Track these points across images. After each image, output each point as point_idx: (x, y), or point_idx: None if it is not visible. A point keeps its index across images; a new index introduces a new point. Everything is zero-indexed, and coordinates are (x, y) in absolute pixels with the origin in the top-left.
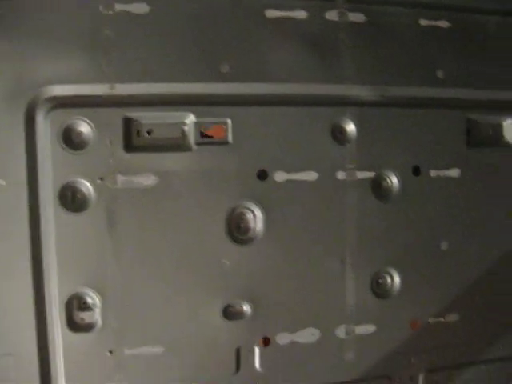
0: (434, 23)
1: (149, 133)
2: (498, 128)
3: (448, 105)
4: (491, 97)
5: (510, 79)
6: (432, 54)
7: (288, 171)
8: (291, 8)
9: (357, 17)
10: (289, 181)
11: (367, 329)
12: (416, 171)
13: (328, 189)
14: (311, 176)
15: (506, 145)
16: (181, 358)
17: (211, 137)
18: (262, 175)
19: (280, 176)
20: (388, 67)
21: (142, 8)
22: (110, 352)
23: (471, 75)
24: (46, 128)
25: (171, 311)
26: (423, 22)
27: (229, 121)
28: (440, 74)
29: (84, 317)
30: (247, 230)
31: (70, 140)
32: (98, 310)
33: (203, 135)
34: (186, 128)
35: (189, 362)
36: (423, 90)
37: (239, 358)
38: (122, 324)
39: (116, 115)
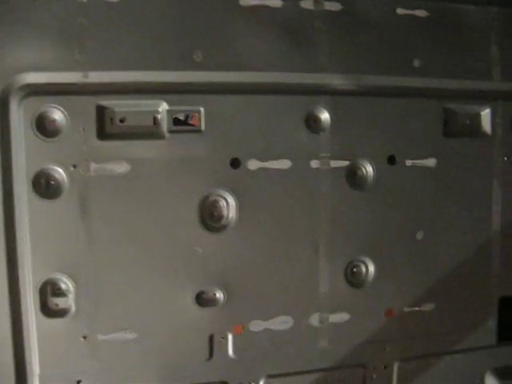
0: (411, 12)
1: (122, 121)
2: (476, 118)
3: (425, 94)
4: (469, 86)
5: (487, 69)
6: (409, 43)
7: (261, 159)
8: None
9: (332, 5)
10: (262, 169)
11: (341, 317)
12: (391, 160)
13: (301, 177)
14: (284, 164)
15: (484, 135)
16: (154, 344)
17: (193, 125)
18: (235, 163)
19: (253, 164)
20: (364, 56)
21: None
22: (84, 337)
23: (448, 65)
24: (19, 115)
25: (145, 297)
26: (400, 11)
27: (202, 109)
28: (417, 63)
29: (58, 302)
30: (220, 217)
31: (44, 127)
32: (71, 296)
33: (179, 122)
34: (158, 116)
35: (162, 348)
36: (399, 79)
37: (212, 345)
38: (96, 310)
39: (89, 103)
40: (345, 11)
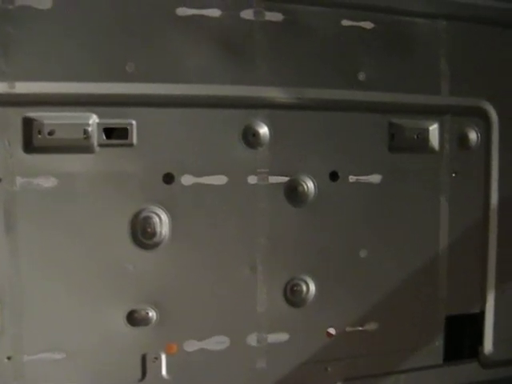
0: (357, 24)
1: (50, 133)
2: (424, 133)
3: (370, 108)
4: (416, 101)
5: (435, 83)
6: (354, 56)
7: (196, 175)
8: (204, 6)
9: (274, 16)
10: (196, 184)
11: (280, 337)
12: (333, 176)
13: (238, 194)
14: (220, 180)
15: (432, 150)
16: (83, 364)
17: (124, 139)
18: (168, 179)
19: (187, 180)
20: (306, 69)
21: (44, 3)
22: (8, 358)
23: (395, 78)
24: None
25: (73, 316)
26: (345, 23)
27: (134, 122)
28: (362, 76)
29: None
30: (153, 234)
31: None
32: None
33: (110, 136)
34: (89, 129)
35: (91, 369)
36: (343, 92)
37: (145, 366)
38: (21, 329)
39: (16, 115)
40: (287, 22)
